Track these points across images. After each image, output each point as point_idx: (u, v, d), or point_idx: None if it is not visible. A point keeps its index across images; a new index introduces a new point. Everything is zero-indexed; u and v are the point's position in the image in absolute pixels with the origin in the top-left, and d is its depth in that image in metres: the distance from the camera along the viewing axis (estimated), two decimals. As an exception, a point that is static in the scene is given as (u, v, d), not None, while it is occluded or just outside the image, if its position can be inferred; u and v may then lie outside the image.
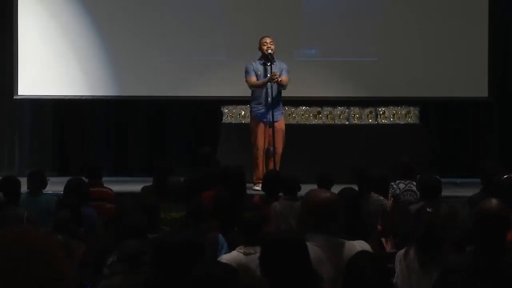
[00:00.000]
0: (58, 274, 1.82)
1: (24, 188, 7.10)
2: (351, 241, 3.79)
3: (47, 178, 7.49)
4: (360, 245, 3.74)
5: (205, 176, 7.26)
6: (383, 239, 6.73)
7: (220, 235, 5.70)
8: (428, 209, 5.59)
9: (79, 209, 6.28)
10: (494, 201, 4.12)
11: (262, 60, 9.27)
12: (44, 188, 7.30)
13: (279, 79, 9.11)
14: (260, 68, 9.25)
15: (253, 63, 9.31)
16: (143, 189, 7.54)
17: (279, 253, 3.29)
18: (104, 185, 7.71)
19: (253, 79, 9.28)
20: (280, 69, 9.29)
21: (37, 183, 7.17)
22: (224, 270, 2.85)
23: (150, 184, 7.55)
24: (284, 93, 9.36)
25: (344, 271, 3.27)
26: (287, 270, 3.24)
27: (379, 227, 6.74)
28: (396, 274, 4.40)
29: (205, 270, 2.87)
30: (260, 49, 9.27)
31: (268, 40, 9.24)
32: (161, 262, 3.41)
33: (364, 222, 5.99)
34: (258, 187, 9.00)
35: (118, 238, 5.12)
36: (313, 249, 3.51)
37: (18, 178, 7.12)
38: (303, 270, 3.28)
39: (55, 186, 8.17)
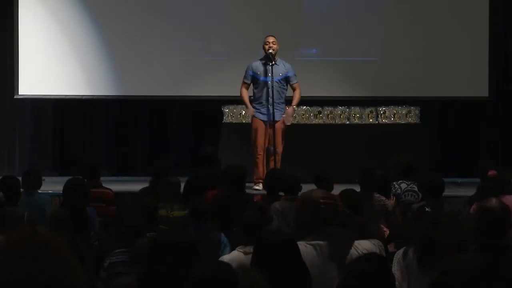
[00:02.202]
0: (69, 274, 1.81)
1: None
2: (360, 241, 3.74)
3: (42, 178, 7.44)
4: (372, 243, 3.71)
5: (206, 176, 7.24)
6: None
7: (222, 235, 5.69)
8: (428, 209, 5.57)
9: (83, 209, 6.27)
10: (494, 200, 4.12)
11: (264, 60, 9.24)
12: (39, 188, 7.25)
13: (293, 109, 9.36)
14: (261, 68, 9.22)
15: (253, 63, 9.28)
16: (140, 191, 7.50)
17: (270, 254, 3.27)
18: (104, 185, 7.68)
19: (244, 90, 9.25)
20: (285, 72, 9.24)
21: (32, 183, 7.12)
22: (223, 270, 2.84)
23: (148, 185, 7.50)
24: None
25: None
26: (279, 271, 3.22)
27: (384, 229, 6.72)
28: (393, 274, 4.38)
29: (204, 270, 2.86)
30: (263, 48, 9.24)
31: (270, 39, 9.19)
32: (155, 260, 3.40)
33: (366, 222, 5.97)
34: (258, 187, 9.00)
35: (117, 239, 5.11)
36: (312, 248, 3.50)
37: (18, 178, 7.10)
38: (296, 270, 3.26)
39: (56, 186, 8.15)
